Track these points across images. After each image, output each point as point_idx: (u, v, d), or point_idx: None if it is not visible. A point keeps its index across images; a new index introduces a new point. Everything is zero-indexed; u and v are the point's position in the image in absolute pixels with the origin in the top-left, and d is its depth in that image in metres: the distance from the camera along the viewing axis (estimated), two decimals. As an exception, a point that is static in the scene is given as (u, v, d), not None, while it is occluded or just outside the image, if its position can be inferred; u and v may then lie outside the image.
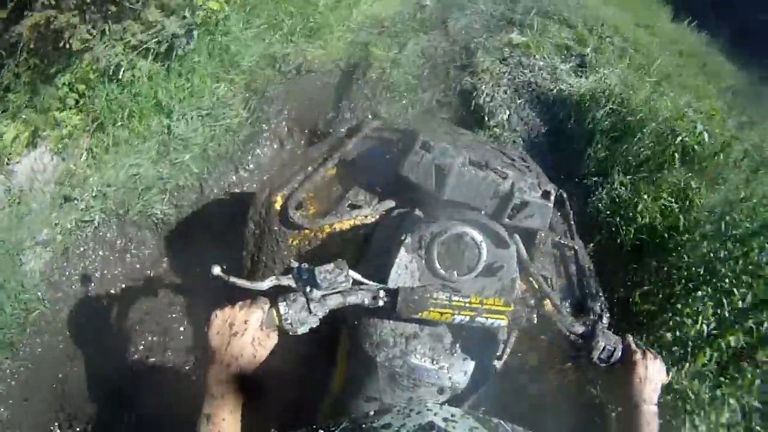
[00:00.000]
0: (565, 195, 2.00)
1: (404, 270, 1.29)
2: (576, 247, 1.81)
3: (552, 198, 1.51)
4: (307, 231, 1.55)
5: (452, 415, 0.94)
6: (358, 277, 1.20)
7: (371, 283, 1.23)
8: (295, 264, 1.16)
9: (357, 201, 1.59)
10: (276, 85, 3.47)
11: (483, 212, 1.48)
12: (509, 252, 1.35)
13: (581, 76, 3.78)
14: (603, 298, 1.73)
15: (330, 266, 1.14)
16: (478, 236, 1.29)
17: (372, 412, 0.99)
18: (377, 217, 1.58)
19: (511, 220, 1.48)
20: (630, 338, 1.32)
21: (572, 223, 1.91)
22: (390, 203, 1.59)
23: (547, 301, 1.56)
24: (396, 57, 3.84)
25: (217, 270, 1.10)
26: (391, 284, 1.27)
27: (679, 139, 2.76)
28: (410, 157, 1.46)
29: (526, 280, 1.56)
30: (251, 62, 3.45)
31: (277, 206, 1.57)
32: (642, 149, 2.87)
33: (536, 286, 1.56)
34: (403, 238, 1.30)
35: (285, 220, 1.54)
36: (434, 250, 1.28)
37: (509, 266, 1.33)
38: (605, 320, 1.66)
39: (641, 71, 4.08)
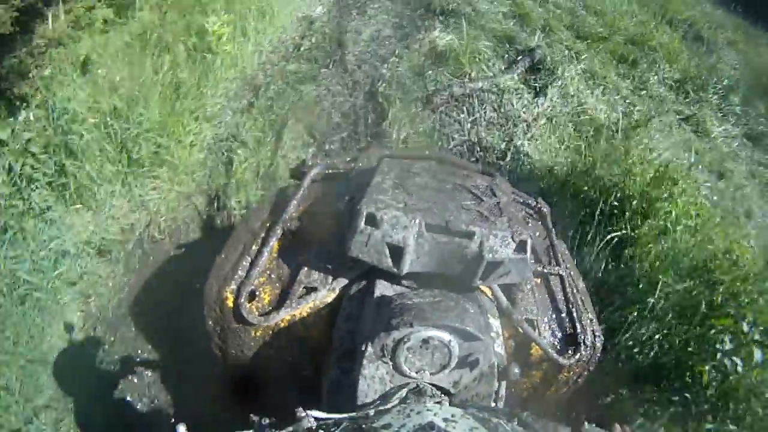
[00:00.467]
0: (546, 209, 1.86)
1: (372, 380, 1.19)
2: (561, 273, 1.67)
3: (528, 248, 1.36)
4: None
5: (452, 415, 0.94)
6: (322, 415, 1.06)
7: (336, 416, 1.08)
8: (255, 418, 1.05)
9: (310, 283, 1.46)
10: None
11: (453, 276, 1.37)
12: (484, 342, 1.20)
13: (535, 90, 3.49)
14: (595, 325, 1.64)
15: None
16: (446, 336, 1.17)
17: (372, 412, 0.99)
18: (336, 293, 1.47)
19: (484, 281, 1.36)
20: (618, 428, 1.21)
21: (555, 243, 1.76)
22: (345, 280, 1.47)
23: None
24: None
25: (182, 429, 1.05)
26: (360, 397, 1.18)
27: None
28: (356, 237, 1.30)
29: (510, 327, 1.50)
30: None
31: (230, 303, 1.46)
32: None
33: (521, 332, 1.48)
34: (363, 348, 1.18)
35: (241, 317, 1.44)
36: (401, 355, 1.17)
37: (485, 355, 1.21)
38: (598, 347, 1.60)
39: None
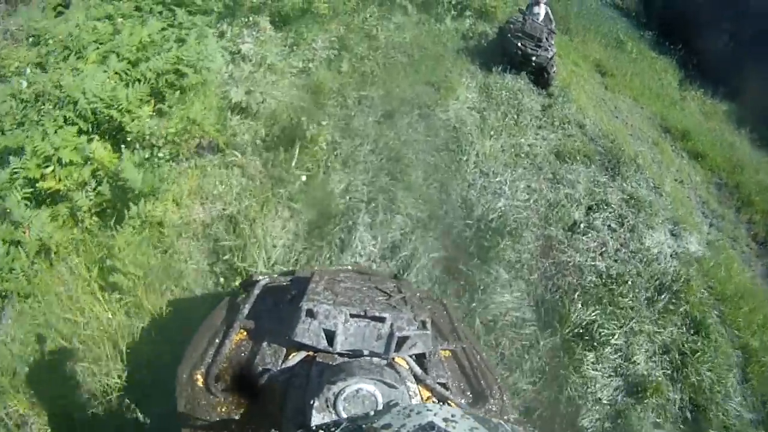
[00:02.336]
0: (446, 302, 2.45)
1: None
2: (464, 347, 2.17)
3: (428, 325, 1.87)
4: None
5: (452, 416, 0.94)
6: None
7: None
8: None
9: (266, 365, 1.80)
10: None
11: (371, 353, 1.75)
12: (400, 390, 1.57)
13: None
14: (500, 383, 2.09)
15: None
16: (371, 387, 1.51)
17: (372, 412, 0.98)
18: (287, 371, 1.80)
19: (398, 352, 1.76)
20: None
21: (456, 325, 2.30)
22: (294, 360, 1.81)
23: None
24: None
25: None
26: None
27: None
28: (300, 326, 1.73)
29: (426, 389, 1.82)
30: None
31: (200, 383, 1.81)
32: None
33: (437, 392, 1.85)
34: (312, 403, 1.50)
35: (209, 395, 1.78)
36: (340, 405, 1.49)
37: (403, 400, 1.55)
38: (506, 400, 2.02)
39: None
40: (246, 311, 1.96)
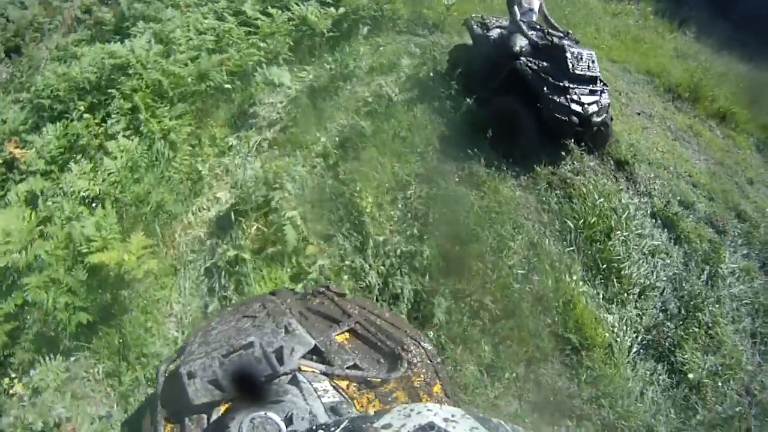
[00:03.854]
0: (322, 288, 2.40)
1: None
2: (357, 321, 2.15)
3: (293, 325, 1.88)
4: None
5: (452, 415, 0.94)
6: None
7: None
8: None
9: None
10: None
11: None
12: (287, 401, 1.59)
13: None
14: (407, 334, 2.09)
15: None
16: (261, 411, 1.54)
17: (372, 412, 0.98)
18: (203, 428, 1.83)
19: (287, 365, 1.75)
20: None
21: (340, 303, 2.29)
22: (203, 423, 1.85)
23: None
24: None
25: None
26: None
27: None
28: (189, 389, 1.78)
29: (342, 379, 1.83)
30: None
31: None
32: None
33: (352, 380, 1.86)
34: (229, 426, 1.55)
35: None
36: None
37: (298, 407, 1.56)
38: (425, 345, 2.03)
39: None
40: (158, 405, 1.98)
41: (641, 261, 3.95)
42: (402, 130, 4.49)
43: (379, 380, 1.86)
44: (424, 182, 4.15)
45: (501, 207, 4.07)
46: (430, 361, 2.00)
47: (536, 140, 4.30)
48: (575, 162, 4.49)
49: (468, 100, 4.59)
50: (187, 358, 1.89)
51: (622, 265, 3.84)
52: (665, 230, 4.26)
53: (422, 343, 2.04)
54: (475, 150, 4.23)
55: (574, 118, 4.04)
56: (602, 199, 4.16)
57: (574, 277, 3.73)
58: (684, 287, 3.89)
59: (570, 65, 4.09)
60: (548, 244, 3.94)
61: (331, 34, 5.24)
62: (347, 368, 1.86)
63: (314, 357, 1.88)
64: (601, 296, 3.77)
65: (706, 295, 3.84)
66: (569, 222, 4.05)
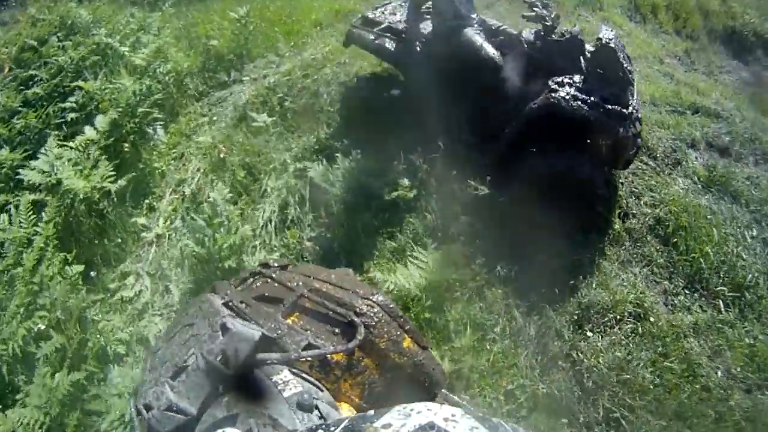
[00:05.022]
0: (259, 268, 2.15)
1: None
2: (301, 294, 1.92)
3: (229, 323, 1.66)
4: None
5: (453, 415, 0.94)
6: None
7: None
8: None
9: None
10: None
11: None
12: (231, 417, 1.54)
13: None
14: (358, 293, 1.87)
15: None
16: (234, 430, 1.49)
17: (372, 412, 0.98)
18: None
19: (236, 369, 1.60)
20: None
21: (284, 281, 2.04)
22: None
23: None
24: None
25: None
26: None
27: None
28: (151, 422, 1.65)
29: (302, 362, 1.72)
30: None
31: None
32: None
33: (314, 363, 1.75)
34: None
35: None
36: None
37: (259, 415, 1.52)
38: (379, 299, 1.83)
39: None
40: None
41: None
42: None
43: (341, 354, 1.73)
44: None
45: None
46: (390, 316, 1.83)
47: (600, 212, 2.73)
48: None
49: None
50: (140, 389, 1.78)
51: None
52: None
53: (375, 299, 1.84)
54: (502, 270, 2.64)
55: (638, 148, 2.70)
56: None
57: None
58: None
59: (623, 66, 2.62)
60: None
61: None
62: (303, 350, 1.71)
63: (266, 347, 1.73)
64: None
65: None
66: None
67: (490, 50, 2.78)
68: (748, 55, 6.72)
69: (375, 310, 1.82)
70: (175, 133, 4.36)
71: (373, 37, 3.27)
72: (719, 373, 2.76)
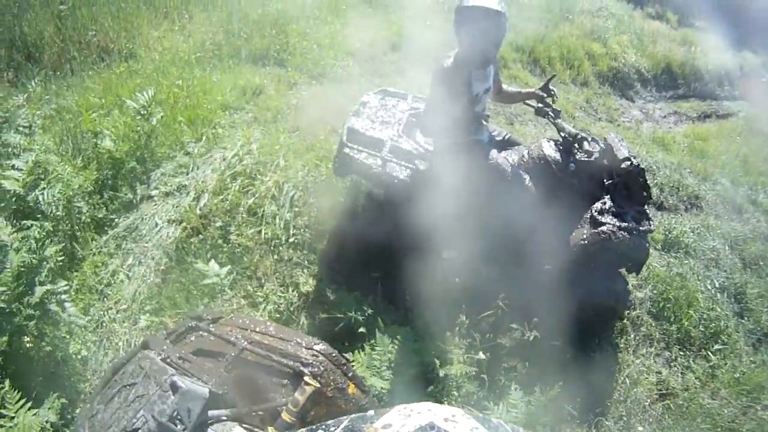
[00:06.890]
0: (192, 321, 2.11)
1: None
2: (243, 348, 1.90)
3: (178, 382, 1.65)
4: None
5: (452, 415, 0.94)
6: None
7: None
8: None
9: None
10: None
11: None
12: None
13: None
14: (299, 342, 1.91)
15: None
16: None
17: (372, 412, 0.98)
18: None
19: (192, 428, 1.62)
20: None
21: (216, 335, 2.03)
22: None
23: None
24: None
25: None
26: None
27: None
28: None
29: (257, 419, 1.74)
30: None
31: None
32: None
33: (265, 416, 1.77)
34: None
35: None
36: None
37: None
38: (320, 348, 1.86)
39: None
40: None
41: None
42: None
43: (291, 405, 1.76)
44: None
45: None
46: (334, 364, 1.88)
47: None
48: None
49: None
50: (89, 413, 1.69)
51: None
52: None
53: (318, 349, 1.88)
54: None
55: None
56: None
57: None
58: None
59: (647, 182, 2.64)
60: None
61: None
62: (252, 404, 1.74)
63: (215, 404, 1.72)
64: None
65: None
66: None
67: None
68: (630, 90, 7.22)
69: (320, 359, 1.86)
70: (82, 289, 2.85)
71: (380, 163, 2.60)
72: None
